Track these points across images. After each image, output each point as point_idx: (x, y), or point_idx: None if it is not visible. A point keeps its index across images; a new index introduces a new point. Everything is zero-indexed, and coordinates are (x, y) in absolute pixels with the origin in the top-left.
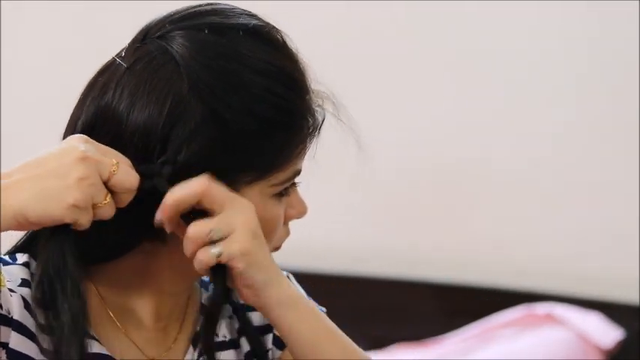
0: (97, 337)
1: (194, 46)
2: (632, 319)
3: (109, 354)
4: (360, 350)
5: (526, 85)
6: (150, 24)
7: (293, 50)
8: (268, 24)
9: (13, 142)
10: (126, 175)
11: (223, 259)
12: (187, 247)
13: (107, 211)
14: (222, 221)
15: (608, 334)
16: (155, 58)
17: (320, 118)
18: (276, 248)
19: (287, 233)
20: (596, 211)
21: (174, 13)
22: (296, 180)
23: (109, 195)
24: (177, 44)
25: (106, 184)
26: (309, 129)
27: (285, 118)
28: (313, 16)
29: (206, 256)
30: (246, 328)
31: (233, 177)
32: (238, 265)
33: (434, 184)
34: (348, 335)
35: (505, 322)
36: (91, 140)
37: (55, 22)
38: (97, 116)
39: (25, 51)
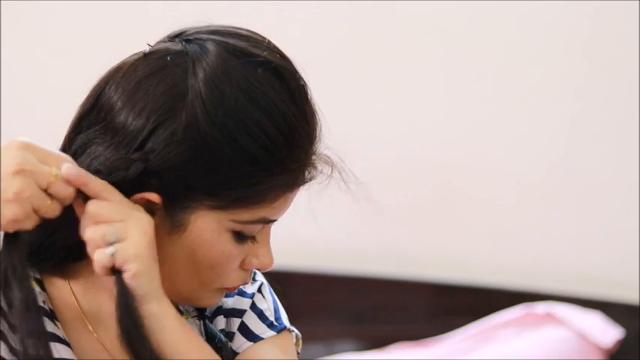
0: (67, 340)
1: (209, 58)
2: (632, 318)
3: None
4: None
5: (524, 84)
6: (188, 28)
7: (310, 105)
8: (295, 71)
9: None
10: (63, 187)
11: (117, 260)
12: (88, 250)
13: (51, 211)
14: (118, 225)
15: (607, 333)
16: (170, 55)
17: (307, 178)
18: (227, 289)
19: (244, 280)
20: (596, 211)
21: (207, 26)
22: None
23: (50, 199)
24: (195, 51)
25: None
26: (288, 182)
27: (266, 159)
28: (308, 16)
29: (101, 256)
30: (207, 339)
31: (197, 196)
32: (130, 267)
33: (434, 184)
34: (348, 335)
35: (505, 322)
36: (33, 146)
37: (55, 22)
38: (96, 98)
39: (25, 51)
